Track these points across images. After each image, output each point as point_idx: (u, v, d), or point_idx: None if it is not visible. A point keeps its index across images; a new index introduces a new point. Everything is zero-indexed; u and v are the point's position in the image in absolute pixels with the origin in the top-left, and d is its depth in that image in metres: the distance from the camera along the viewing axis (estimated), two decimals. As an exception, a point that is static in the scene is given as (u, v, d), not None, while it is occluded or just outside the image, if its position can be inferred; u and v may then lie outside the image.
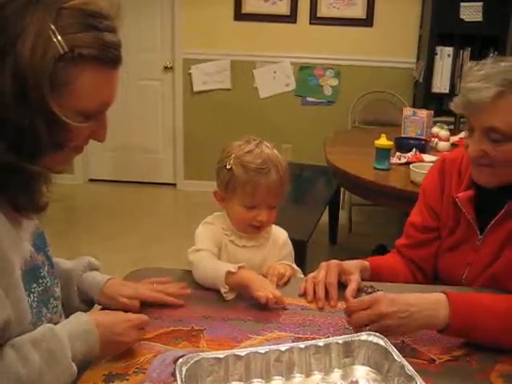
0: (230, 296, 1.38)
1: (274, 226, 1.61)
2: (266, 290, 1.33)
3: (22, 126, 0.89)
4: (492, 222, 1.44)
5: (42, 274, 1.07)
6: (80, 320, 1.07)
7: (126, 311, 1.20)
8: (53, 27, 0.88)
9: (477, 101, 1.30)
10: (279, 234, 1.63)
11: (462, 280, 1.51)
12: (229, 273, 1.37)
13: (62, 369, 0.98)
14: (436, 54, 4.35)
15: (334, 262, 1.44)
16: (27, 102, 0.88)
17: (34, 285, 1.04)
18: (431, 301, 1.19)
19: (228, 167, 1.48)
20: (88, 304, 1.30)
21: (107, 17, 0.95)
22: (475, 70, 1.34)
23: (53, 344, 0.98)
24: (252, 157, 1.47)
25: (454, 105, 1.39)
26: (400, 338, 1.19)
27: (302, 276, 1.56)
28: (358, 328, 1.17)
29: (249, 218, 1.50)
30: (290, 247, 1.64)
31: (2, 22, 0.87)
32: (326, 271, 1.41)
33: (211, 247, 1.50)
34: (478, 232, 1.48)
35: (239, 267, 1.38)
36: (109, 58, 0.95)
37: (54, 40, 0.88)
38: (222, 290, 1.37)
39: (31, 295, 1.02)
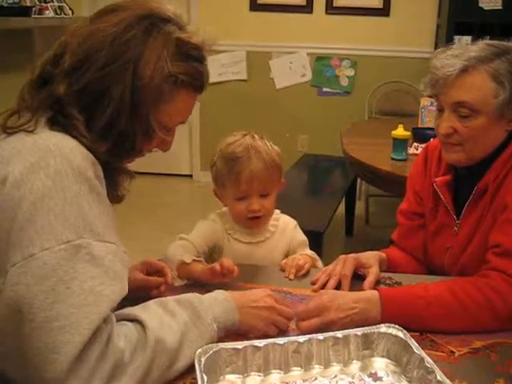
0: (178, 282, 1.38)
1: (282, 217, 1.60)
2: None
3: (126, 133, 1.03)
4: (465, 207, 1.44)
5: None
6: (213, 292, 1.15)
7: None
8: (165, 54, 1.03)
9: (443, 76, 1.34)
10: (287, 223, 1.61)
11: (444, 266, 1.51)
12: (182, 262, 1.39)
13: (205, 327, 1.05)
14: (454, 43, 4.29)
15: (352, 255, 1.44)
16: (137, 114, 1.03)
17: None
18: (365, 299, 1.23)
19: (213, 163, 1.53)
20: None
21: (201, 49, 1.11)
22: (442, 51, 1.39)
23: (196, 303, 1.07)
24: (232, 147, 1.49)
25: (423, 85, 1.43)
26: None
27: (321, 265, 1.55)
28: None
29: (242, 210, 1.49)
30: (301, 236, 1.62)
31: (125, 43, 1.00)
32: (342, 264, 1.41)
33: (197, 242, 1.50)
34: (455, 217, 1.47)
35: (194, 260, 1.39)
36: (198, 85, 1.12)
37: (166, 66, 1.03)
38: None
39: None
